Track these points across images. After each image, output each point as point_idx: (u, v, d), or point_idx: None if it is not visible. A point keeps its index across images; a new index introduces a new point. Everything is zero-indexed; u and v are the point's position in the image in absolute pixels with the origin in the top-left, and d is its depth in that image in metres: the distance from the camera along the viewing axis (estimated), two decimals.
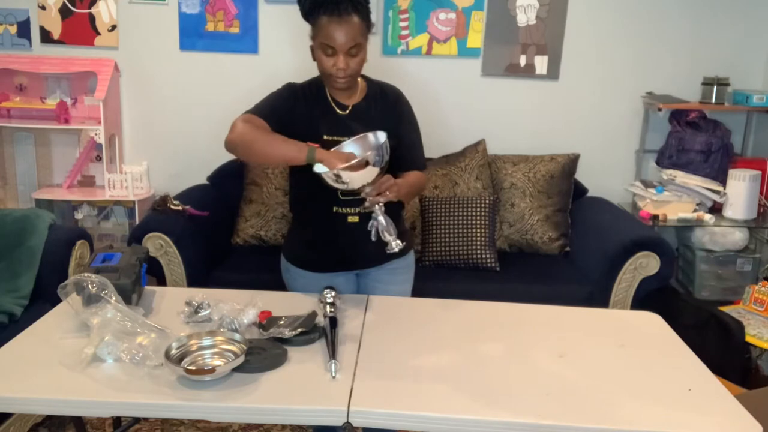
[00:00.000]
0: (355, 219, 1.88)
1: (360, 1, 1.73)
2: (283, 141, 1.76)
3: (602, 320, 1.88)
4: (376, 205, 1.70)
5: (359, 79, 1.91)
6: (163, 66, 3.41)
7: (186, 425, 2.55)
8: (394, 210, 1.87)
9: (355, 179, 1.66)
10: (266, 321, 1.67)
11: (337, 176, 1.66)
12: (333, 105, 1.88)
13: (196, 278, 2.75)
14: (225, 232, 3.14)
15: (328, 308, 1.70)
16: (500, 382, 1.49)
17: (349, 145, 1.78)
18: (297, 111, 1.86)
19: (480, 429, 1.36)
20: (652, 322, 1.87)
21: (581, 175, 3.36)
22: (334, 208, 1.88)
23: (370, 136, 1.78)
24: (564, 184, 3.22)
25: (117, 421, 2.15)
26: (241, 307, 1.70)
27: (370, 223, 1.72)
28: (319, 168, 1.70)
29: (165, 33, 3.37)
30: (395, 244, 1.70)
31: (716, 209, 3.27)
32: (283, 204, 3.10)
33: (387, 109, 1.92)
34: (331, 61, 1.76)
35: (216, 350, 1.54)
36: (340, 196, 1.86)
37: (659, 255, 2.71)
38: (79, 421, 1.96)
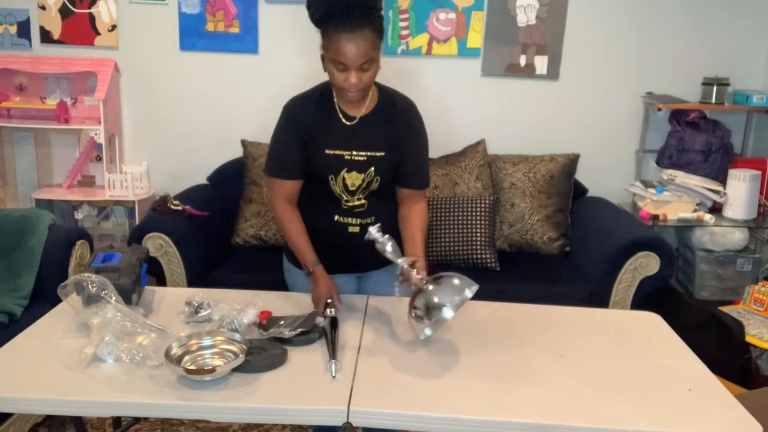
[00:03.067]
0: (356, 229, 1.88)
1: (374, 7, 1.64)
2: (298, 248, 1.87)
3: (602, 320, 1.88)
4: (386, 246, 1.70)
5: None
6: (163, 66, 3.41)
7: (186, 425, 2.54)
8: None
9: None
10: (266, 321, 1.67)
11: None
12: (340, 115, 1.83)
13: (196, 278, 2.75)
14: (225, 232, 3.14)
15: (328, 308, 1.70)
16: (500, 382, 1.49)
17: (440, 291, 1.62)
18: (302, 134, 1.81)
19: (480, 429, 1.36)
20: (652, 322, 1.87)
21: (581, 175, 3.36)
22: (336, 218, 1.87)
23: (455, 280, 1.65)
24: (564, 184, 3.22)
25: (117, 421, 2.16)
26: (241, 307, 1.70)
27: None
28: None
29: (165, 33, 3.37)
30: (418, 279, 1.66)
31: (716, 209, 3.27)
32: None
33: (396, 122, 1.85)
34: (343, 77, 1.68)
35: (216, 350, 1.54)
36: (343, 206, 1.85)
37: (659, 255, 2.71)
38: (79, 421, 1.96)
